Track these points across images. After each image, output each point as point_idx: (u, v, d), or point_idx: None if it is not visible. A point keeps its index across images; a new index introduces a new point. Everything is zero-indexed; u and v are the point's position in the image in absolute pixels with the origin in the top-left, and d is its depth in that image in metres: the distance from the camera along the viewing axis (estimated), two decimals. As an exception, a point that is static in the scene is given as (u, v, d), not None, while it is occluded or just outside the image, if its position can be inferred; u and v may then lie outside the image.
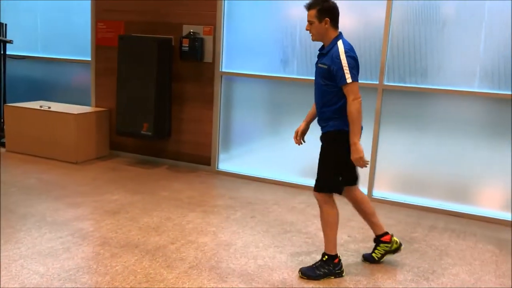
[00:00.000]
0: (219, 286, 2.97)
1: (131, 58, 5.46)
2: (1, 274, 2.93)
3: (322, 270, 3.13)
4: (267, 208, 4.45)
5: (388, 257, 3.43)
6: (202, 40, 5.33)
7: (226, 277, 3.09)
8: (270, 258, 3.41)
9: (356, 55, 3.06)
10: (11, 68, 6.41)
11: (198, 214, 4.20)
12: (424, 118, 4.68)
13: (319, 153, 3.23)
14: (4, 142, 6.06)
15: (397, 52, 4.63)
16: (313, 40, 3.16)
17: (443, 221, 4.36)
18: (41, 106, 5.82)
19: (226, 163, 5.58)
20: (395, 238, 3.39)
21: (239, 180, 5.37)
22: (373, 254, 3.40)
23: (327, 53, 3.07)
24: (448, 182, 4.64)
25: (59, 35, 6.28)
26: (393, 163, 4.85)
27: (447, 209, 4.60)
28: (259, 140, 5.47)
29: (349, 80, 2.94)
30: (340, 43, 3.02)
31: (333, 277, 3.15)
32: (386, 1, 4.58)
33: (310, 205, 4.61)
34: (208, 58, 5.38)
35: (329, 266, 3.14)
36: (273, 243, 3.68)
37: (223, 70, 5.40)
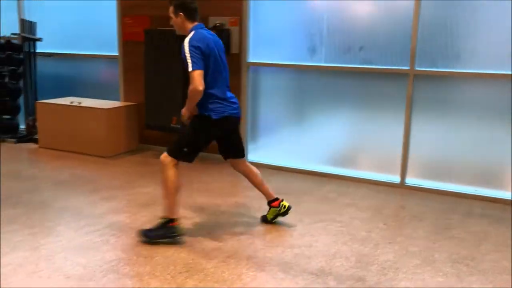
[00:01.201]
0: (259, 275, 2.99)
1: (157, 52, 5.50)
2: (45, 266, 3.00)
3: (158, 232, 3.34)
4: (298, 198, 4.44)
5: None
6: (228, 31, 5.33)
7: (265, 266, 3.10)
8: (306, 246, 3.41)
9: (205, 45, 3.21)
10: (41, 65, 6.52)
11: (231, 205, 4.22)
12: (457, 103, 4.60)
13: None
14: (37, 138, 6.18)
15: (428, 36, 4.55)
16: (177, 33, 3.50)
17: (479, 207, 4.29)
18: (71, 102, 5.91)
19: (254, 153, 5.59)
20: (284, 203, 3.76)
21: (268, 170, 5.36)
22: (267, 216, 3.83)
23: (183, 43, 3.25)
24: (482, 168, 4.56)
25: (86, 32, 6.35)
26: (425, 150, 4.78)
27: (482, 195, 4.52)
28: (287, 129, 5.46)
29: (190, 68, 3.11)
30: (191, 34, 3.25)
31: (166, 240, 3.33)
32: (415, -15, 4.51)
33: (341, 194, 4.59)
34: (234, 49, 5.38)
35: (164, 229, 3.34)
36: (308, 232, 3.68)
37: (250, 60, 5.39)
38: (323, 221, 3.91)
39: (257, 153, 5.57)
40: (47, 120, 6.01)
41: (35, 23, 6.27)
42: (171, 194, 3.32)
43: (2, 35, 6.51)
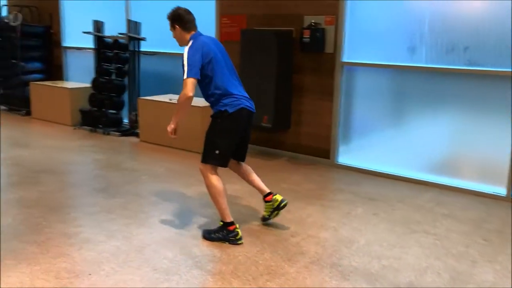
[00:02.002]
0: (342, 284, 2.88)
1: (252, 52, 5.54)
2: (135, 257, 3.15)
3: (217, 235, 3.42)
4: (390, 206, 4.23)
5: None
6: (323, 30, 5.22)
7: (349, 276, 2.98)
8: (395, 258, 3.23)
9: (205, 51, 3.29)
10: (144, 63, 6.89)
11: (317, 208, 4.14)
12: None
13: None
14: (138, 132, 6.55)
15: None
16: (180, 45, 3.51)
17: None
18: (170, 99, 6.17)
19: (346, 156, 5.43)
20: (275, 197, 3.62)
21: (359, 174, 5.19)
22: (264, 213, 3.74)
23: None
24: None
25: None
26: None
27: None
28: (382, 132, 5.22)
29: (184, 76, 3.22)
30: (189, 43, 3.34)
31: (227, 243, 3.38)
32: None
33: (439, 204, 4.30)
34: (329, 48, 5.26)
35: (223, 232, 3.40)
36: (398, 242, 3.48)
37: (345, 60, 5.24)
38: (416, 232, 3.68)
39: (349, 155, 5.41)
40: (148, 115, 6.33)
41: (139, 23, 6.64)
42: (218, 200, 3.37)
43: (110, 34, 6.99)
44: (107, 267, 3.00)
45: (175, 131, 3.48)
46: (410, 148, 4.97)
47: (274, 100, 5.44)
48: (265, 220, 3.76)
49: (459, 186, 4.68)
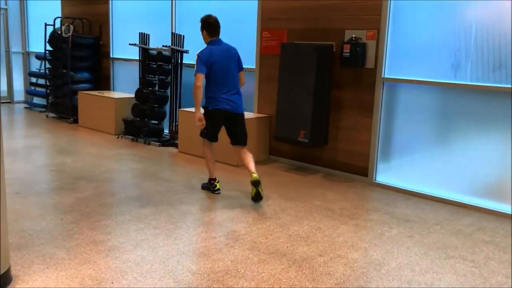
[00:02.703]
0: (366, 309, 2.75)
1: (291, 66, 5.50)
2: (158, 267, 3.14)
3: (205, 184, 4.89)
4: (427, 228, 4.04)
5: None
6: (364, 45, 5.12)
7: (375, 300, 2.85)
8: (427, 284, 3.06)
9: (207, 57, 4.40)
10: (187, 75, 6.99)
11: (350, 227, 4.01)
12: None
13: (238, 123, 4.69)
14: (177, 143, 6.63)
15: None
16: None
17: None
18: (208, 111, 6.21)
19: (384, 174, 5.26)
20: (254, 175, 4.43)
21: (397, 194, 5.00)
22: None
23: None
24: None
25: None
26: None
27: None
28: (423, 151, 5.02)
29: (195, 72, 4.40)
30: (202, 48, 4.50)
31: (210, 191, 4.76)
32: None
33: (480, 229, 4.06)
34: (369, 63, 5.14)
35: (209, 183, 4.83)
36: (432, 268, 3.30)
37: (385, 76, 5.10)
38: (452, 258, 3.48)
39: (388, 173, 5.23)
40: (187, 126, 6.40)
41: (183, 36, 6.76)
42: (206, 163, 4.82)
43: (155, 46, 7.15)
44: (130, 276, 3.01)
45: (200, 119, 4.47)
46: (452, 169, 4.74)
47: (311, 115, 5.36)
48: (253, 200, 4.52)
49: (503, 211, 4.41)
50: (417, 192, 4.94)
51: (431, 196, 4.84)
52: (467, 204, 4.61)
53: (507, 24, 4.29)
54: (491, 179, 4.58)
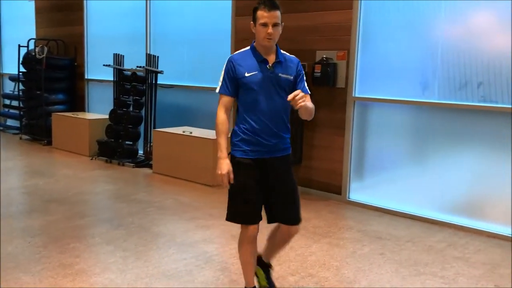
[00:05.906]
0: (335, 328, 2.74)
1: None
2: (128, 291, 3.09)
3: None
4: (399, 245, 4.06)
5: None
6: (334, 65, 5.20)
7: (344, 319, 2.84)
8: (396, 302, 3.07)
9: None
10: (161, 96, 6.98)
11: (322, 246, 4.01)
12: None
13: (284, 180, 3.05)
14: (152, 164, 6.58)
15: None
16: (269, 46, 2.75)
17: None
18: (183, 132, 6.21)
19: (358, 192, 5.29)
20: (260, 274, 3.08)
21: (370, 211, 5.04)
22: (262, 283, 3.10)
23: (284, 61, 2.80)
24: None
25: (203, 65, 6.67)
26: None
27: None
28: (395, 170, 5.08)
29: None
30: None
31: None
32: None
33: (451, 245, 4.11)
34: (340, 83, 5.22)
35: None
36: (402, 285, 3.32)
37: (356, 95, 5.18)
38: (423, 274, 3.50)
39: (362, 191, 5.27)
40: (162, 147, 6.37)
41: (157, 56, 6.77)
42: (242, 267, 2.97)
43: (129, 67, 7.15)
44: (96, 300, 2.95)
45: None
46: (424, 186, 4.81)
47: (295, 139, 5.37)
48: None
49: (474, 227, 4.47)
50: (390, 210, 4.98)
51: (404, 213, 4.88)
52: (439, 221, 4.66)
53: (472, 43, 4.42)
54: (461, 195, 4.65)
